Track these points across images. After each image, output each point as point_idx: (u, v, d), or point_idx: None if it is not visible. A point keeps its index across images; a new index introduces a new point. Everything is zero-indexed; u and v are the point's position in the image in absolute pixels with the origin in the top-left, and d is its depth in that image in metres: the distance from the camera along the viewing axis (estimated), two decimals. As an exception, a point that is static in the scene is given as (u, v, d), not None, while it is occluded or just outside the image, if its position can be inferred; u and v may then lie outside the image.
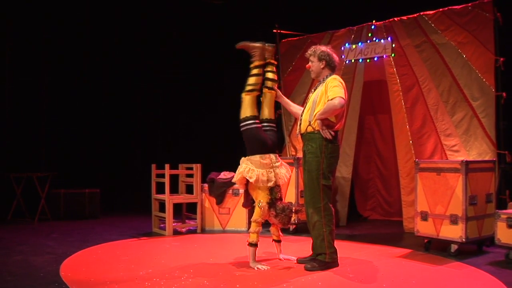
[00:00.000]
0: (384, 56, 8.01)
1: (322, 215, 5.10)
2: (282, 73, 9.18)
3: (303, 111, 5.36)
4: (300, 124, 5.28)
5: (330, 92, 5.00)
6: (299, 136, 5.32)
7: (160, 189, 7.80)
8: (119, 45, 10.77)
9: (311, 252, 5.42)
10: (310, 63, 5.33)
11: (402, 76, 7.84)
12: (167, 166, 7.58)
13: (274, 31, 9.18)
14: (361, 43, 8.30)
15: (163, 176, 7.63)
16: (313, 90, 5.32)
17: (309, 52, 5.36)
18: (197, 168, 7.75)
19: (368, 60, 8.27)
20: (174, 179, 7.98)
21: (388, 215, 9.08)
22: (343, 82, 5.19)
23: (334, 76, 5.24)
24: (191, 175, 7.89)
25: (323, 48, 5.33)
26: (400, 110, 7.81)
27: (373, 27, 8.20)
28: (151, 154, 10.43)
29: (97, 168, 10.42)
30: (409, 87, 7.78)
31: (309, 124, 5.14)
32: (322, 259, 5.21)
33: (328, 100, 4.98)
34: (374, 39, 8.16)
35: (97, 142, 10.57)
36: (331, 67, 5.30)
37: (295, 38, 9.30)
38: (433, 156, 7.44)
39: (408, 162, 7.65)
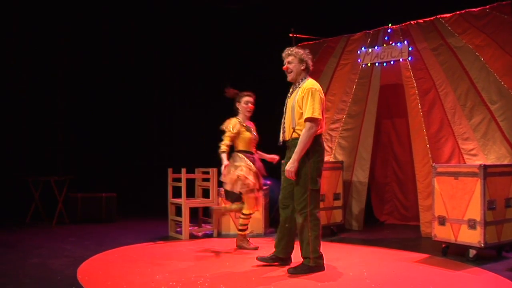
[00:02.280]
0: (401, 60, 7.97)
1: (308, 220, 5.13)
2: None
3: (283, 118, 5.36)
4: (284, 131, 5.30)
5: (308, 108, 5.04)
6: (282, 143, 5.37)
7: (177, 193, 7.79)
8: (136, 47, 10.85)
9: (274, 250, 5.53)
10: (287, 64, 5.26)
11: (419, 79, 7.80)
12: (183, 170, 7.57)
13: (290, 35, 9.15)
14: (378, 46, 8.28)
15: (179, 180, 7.63)
16: (289, 94, 5.30)
17: (287, 52, 5.29)
18: (213, 173, 7.72)
19: (384, 64, 8.23)
20: (190, 183, 7.99)
21: (405, 220, 9.00)
22: (321, 90, 5.22)
23: (312, 82, 5.25)
24: (207, 179, 7.88)
25: (301, 50, 5.30)
26: (417, 114, 7.77)
27: (389, 30, 8.19)
28: (167, 158, 10.43)
29: (114, 172, 10.45)
30: (426, 91, 7.74)
31: (294, 131, 5.17)
32: (307, 263, 5.23)
33: (306, 117, 5.03)
34: (390, 42, 8.13)
35: (114, 147, 10.61)
36: (308, 70, 5.32)
37: (311, 42, 9.27)
38: (450, 160, 7.39)
39: (425, 166, 7.58)
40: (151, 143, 11.12)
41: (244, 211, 6.55)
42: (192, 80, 11.42)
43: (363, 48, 8.47)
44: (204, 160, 8.88)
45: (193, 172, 8.06)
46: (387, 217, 9.25)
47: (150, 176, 10.68)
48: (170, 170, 7.97)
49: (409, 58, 7.89)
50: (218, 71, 11.25)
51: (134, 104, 10.92)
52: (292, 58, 5.25)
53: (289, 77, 5.29)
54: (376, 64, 8.32)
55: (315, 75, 8.79)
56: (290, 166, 5.11)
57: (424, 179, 7.62)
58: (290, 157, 5.18)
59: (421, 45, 7.80)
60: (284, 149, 5.47)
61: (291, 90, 5.33)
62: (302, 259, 5.29)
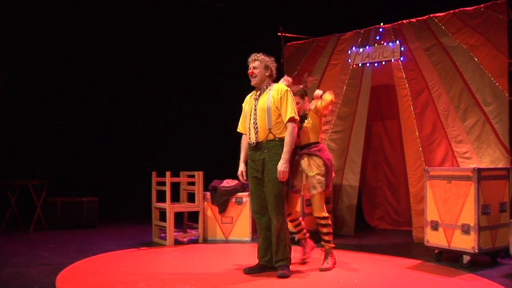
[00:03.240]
0: (393, 60, 7.99)
1: (285, 221, 5.38)
2: None
3: (251, 119, 5.44)
4: (257, 133, 5.36)
5: (289, 108, 5.31)
6: (254, 145, 5.43)
7: (161, 197, 7.77)
8: (118, 44, 10.79)
9: (258, 261, 5.57)
10: (253, 69, 5.44)
11: (411, 80, 7.82)
12: (168, 173, 7.55)
13: (279, 34, 9.19)
14: (369, 46, 8.29)
15: (163, 184, 7.59)
16: (256, 98, 5.44)
17: (253, 57, 5.48)
18: (199, 176, 7.73)
19: (376, 64, 8.26)
20: (175, 187, 7.97)
21: (397, 225, 9.01)
22: (292, 94, 5.46)
23: (282, 84, 5.50)
24: (192, 183, 7.87)
25: (266, 56, 5.50)
26: (409, 116, 7.79)
27: (381, 30, 8.20)
28: (151, 161, 10.45)
29: (96, 176, 10.35)
30: (419, 92, 7.75)
31: (270, 132, 5.29)
32: (284, 264, 5.38)
33: (288, 118, 5.30)
34: (382, 42, 8.16)
35: (95, 149, 10.53)
36: (272, 78, 5.53)
37: (300, 42, 9.30)
38: (443, 163, 7.40)
39: (417, 170, 7.60)
40: (134, 145, 11.04)
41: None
42: (177, 79, 11.38)
43: (353, 48, 8.49)
44: (189, 163, 8.85)
45: (178, 176, 8.04)
46: (378, 222, 9.25)
47: (133, 180, 10.61)
48: (154, 173, 7.94)
49: (401, 58, 7.91)
50: (204, 71, 11.24)
51: (116, 104, 10.81)
52: (258, 63, 5.45)
53: (253, 82, 5.48)
54: (367, 64, 8.34)
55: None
56: (283, 167, 5.26)
57: (416, 183, 7.64)
58: (261, 159, 5.34)
59: (413, 45, 7.82)
60: (238, 152, 5.62)
61: (256, 93, 5.51)
62: (278, 262, 5.39)
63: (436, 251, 6.29)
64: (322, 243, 5.82)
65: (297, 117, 5.37)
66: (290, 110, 5.31)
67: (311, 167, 5.63)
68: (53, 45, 10.11)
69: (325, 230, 5.76)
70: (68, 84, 10.30)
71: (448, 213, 6.08)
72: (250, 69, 5.46)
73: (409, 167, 7.79)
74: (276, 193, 5.32)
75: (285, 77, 5.89)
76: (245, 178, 5.55)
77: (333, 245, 5.84)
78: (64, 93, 10.26)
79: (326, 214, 5.73)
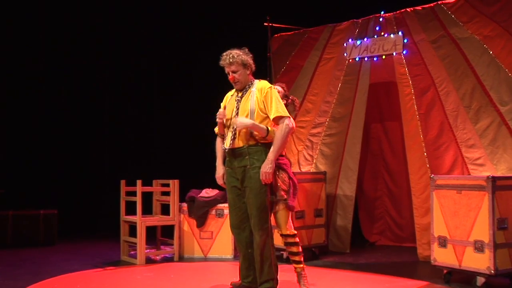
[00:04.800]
0: (394, 54, 8.00)
1: (270, 236, 5.27)
2: (274, 74, 9.22)
3: (230, 123, 5.41)
4: (234, 138, 5.32)
5: (274, 106, 5.24)
6: (228, 151, 5.38)
7: (131, 209, 7.72)
8: (79, 47, 10.75)
9: (239, 279, 5.55)
10: (232, 74, 5.35)
11: (415, 77, 7.82)
12: (138, 182, 7.49)
13: (265, 24, 9.17)
14: (367, 38, 8.30)
15: (134, 194, 7.55)
16: (238, 99, 5.39)
17: (227, 60, 5.34)
18: (174, 185, 7.69)
19: (375, 59, 8.28)
20: (147, 197, 7.92)
21: (399, 241, 9.01)
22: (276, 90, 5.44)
23: (265, 81, 5.44)
24: (167, 193, 7.85)
25: (240, 52, 5.39)
26: (413, 117, 7.79)
27: (381, 19, 8.21)
28: (120, 168, 10.38)
29: (54, 185, 10.26)
30: (424, 90, 7.75)
31: (251, 136, 5.26)
32: (270, 286, 5.27)
33: (274, 117, 5.22)
34: (382, 33, 8.16)
35: (54, 154, 10.41)
36: (252, 71, 5.45)
37: (289, 33, 9.30)
38: (452, 171, 7.39)
39: (422, 178, 7.60)
40: (100, 150, 10.98)
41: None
42: (148, 77, 11.41)
43: (350, 40, 8.49)
44: (163, 170, 8.96)
45: (150, 185, 8.04)
46: (378, 237, 9.24)
47: (98, 189, 10.53)
48: (123, 182, 7.91)
49: (404, 52, 7.92)
50: (178, 70, 11.30)
51: (78, 103, 10.76)
52: (236, 66, 5.34)
53: (237, 87, 5.42)
54: (365, 58, 8.35)
55: (293, 72, 9.08)
56: (267, 167, 5.17)
57: (421, 193, 7.61)
58: (241, 167, 5.28)
59: (418, 37, 7.81)
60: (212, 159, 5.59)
61: (237, 94, 5.45)
62: (262, 284, 5.30)
63: (445, 271, 6.24)
64: (293, 265, 5.80)
65: (286, 114, 5.25)
66: (279, 108, 5.24)
67: (277, 180, 5.64)
68: (7, 44, 10.07)
69: (294, 249, 5.75)
70: (22, 81, 10.23)
71: (458, 227, 6.03)
72: (229, 74, 5.37)
73: (412, 175, 7.76)
74: (258, 204, 5.22)
75: (279, 84, 6.01)
76: (224, 182, 5.50)
77: (304, 266, 5.83)
78: (18, 90, 10.18)
79: (294, 231, 5.74)
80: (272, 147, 5.20)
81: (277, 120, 5.22)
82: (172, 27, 11.26)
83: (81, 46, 10.67)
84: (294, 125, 5.36)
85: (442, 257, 6.18)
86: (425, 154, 7.62)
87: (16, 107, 10.14)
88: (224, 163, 5.51)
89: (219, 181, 5.56)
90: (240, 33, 9.63)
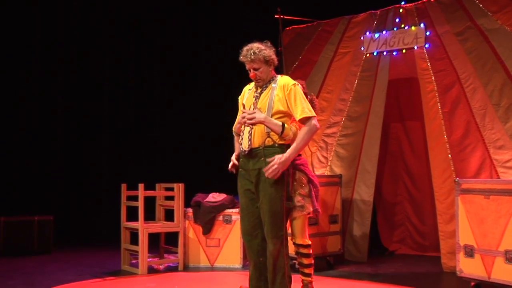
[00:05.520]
0: (416, 48, 7.98)
1: (284, 245, 5.14)
2: (285, 69, 9.15)
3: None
4: (251, 138, 5.20)
5: (299, 105, 5.10)
6: (246, 153, 5.27)
7: (132, 215, 7.68)
8: (77, 45, 10.83)
9: None
10: (253, 72, 5.23)
11: (438, 72, 7.80)
12: (141, 186, 7.46)
13: (276, 16, 9.12)
14: (386, 31, 8.32)
15: (135, 198, 7.52)
16: (256, 95, 5.28)
17: (248, 56, 5.19)
18: (178, 189, 7.66)
19: (394, 53, 8.27)
20: (149, 202, 7.90)
21: (421, 249, 8.96)
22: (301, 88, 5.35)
23: (288, 77, 5.33)
24: (171, 198, 7.83)
25: (262, 46, 5.24)
26: (436, 116, 7.77)
27: (401, 10, 8.21)
28: (120, 171, 10.42)
29: (50, 189, 10.31)
30: (448, 87, 7.73)
31: (268, 136, 5.13)
32: None
33: (301, 118, 5.06)
34: (402, 25, 8.15)
35: (50, 156, 10.47)
36: (275, 66, 5.31)
37: (302, 26, 9.32)
38: (479, 174, 7.36)
39: (446, 182, 7.57)
40: (99, 152, 11.03)
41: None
42: (152, 73, 11.47)
43: (367, 33, 8.51)
44: (167, 173, 8.95)
45: (153, 189, 8.01)
46: (398, 246, 9.21)
47: (97, 194, 10.61)
48: (123, 186, 7.86)
49: (426, 45, 7.90)
50: (185, 66, 11.33)
51: (77, 102, 10.82)
52: (258, 63, 5.19)
53: (259, 84, 5.29)
54: (384, 53, 8.35)
55: (306, 67, 9.26)
56: (279, 162, 4.99)
57: (445, 198, 7.57)
58: (255, 169, 5.15)
59: (442, 29, 7.81)
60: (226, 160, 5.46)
61: (255, 88, 5.35)
62: None
63: (472, 283, 6.20)
64: (301, 276, 5.79)
65: (313, 113, 5.08)
66: (302, 108, 5.10)
67: (292, 185, 5.57)
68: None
69: (306, 261, 5.75)
70: (16, 82, 10.25)
71: (487, 236, 5.98)
72: (250, 72, 5.21)
73: (435, 179, 7.72)
74: (273, 210, 5.08)
75: (298, 81, 5.84)
76: (234, 172, 5.36)
77: (313, 280, 5.82)
78: (12, 90, 10.20)
79: (309, 242, 5.72)
80: (293, 145, 5.05)
81: (304, 121, 5.07)
82: (176, 23, 11.39)
83: (78, 44, 10.76)
84: (318, 126, 5.23)
85: (469, 268, 6.12)
86: (449, 156, 7.58)
87: (8, 106, 10.15)
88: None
89: (232, 169, 5.40)
90: (249, 26, 9.66)
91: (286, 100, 5.11)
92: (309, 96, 5.98)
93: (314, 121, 5.06)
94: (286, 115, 5.12)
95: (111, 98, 11.12)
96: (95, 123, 10.94)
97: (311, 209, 5.64)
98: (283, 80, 5.22)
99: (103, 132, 11.03)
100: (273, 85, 5.21)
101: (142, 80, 11.38)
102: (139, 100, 11.33)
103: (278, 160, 4.92)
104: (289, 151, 4.97)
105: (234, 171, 5.29)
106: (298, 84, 5.23)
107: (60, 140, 10.55)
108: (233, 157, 5.35)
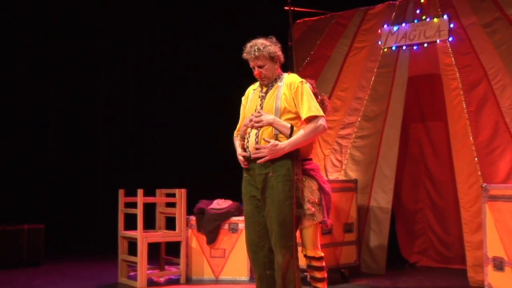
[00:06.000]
0: (438, 41, 7.95)
1: (294, 256, 5.14)
2: (296, 66, 9.16)
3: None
4: (257, 142, 5.19)
5: (306, 104, 5.13)
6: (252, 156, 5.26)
7: (130, 223, 7.64)
8: (71, 46, 10.97)
9: None
10: (258, 69, 5.24)
11: (463, 68, 7.75)
12: (140, 192, 7.42)
13: (286, 8, 9.11)
14: (406, 23, 8.30)
15: (134, 205, 7.48)
16: (262, 95, 5.29)
17: (252, 52, 5.20)
18: (181, 195, 7.64)
19: (415, 47, 8.24)
20: (149, 209, 7.90)
21: (445, 262, 8.90)
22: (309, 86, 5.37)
23: (295, 75, 5.37)
24: (172, 204, 7.81)
25: (266, 42, 5.27)
26: (461, 116, 7.72)
27: (422, 0, 8.21)
28: (117, 176, 10.50)
29: (41, 195, 10.34)
30: (474, 84, 7.67)
31: (276, 138, 5.11)
32: None
33: (307, 116, 5.09)
34: (424, 17, 8.12)
35: (41, 160, 10.52)
36: (281, 64, 5.36)
37: (314, 18, 9.30)
38: (509, 179, 7.29)
39: (472, 188, 7.49)
40: (94, 155, 11.07)
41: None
42: (151, 70, 11.55)
43: (385, 26, 8.51)
44: (168, 178, 9.17)
45: (154, 195, 8.00)
46: (419, 257, 9.15)
47: (92, 200, 10.64)
48: (121, 191, 7.84)
49: (450, 39, 7.87)
50: (186, 61, 11.49)
51: (71, 101, 10.93)
52: (263, 60, 5.21)
53: (264, 83, 5.30)
54: (404, 47, 8.32)
55: (319, 63, 9.26)
56: (273, 151, 4.98)
57: (471, 205, 7.50)
58: (262, 174, 5.13)
59: (467, 20, 7.76)
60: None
61: (260, 88, 5.36)
62: None
63: None
64: None
65: (320, 113, 5.10)
66: (308, 106, 5.11)
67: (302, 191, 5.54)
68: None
69: (318, 274, 5.64)
70: (6, 84, 10.32)
71: None
72: (255, 69, 5.24)
73: (460, 184, 7.65)
74: (282, 219, 5.06)
75: (307, 80, 5.82)
76: (246, 163, 5.29)
77: None
78: (2, 93, 10.29)
79: (321, 254, 5.64)
80: (293, 137, 5.04)
81: (310, 120, 5.10)
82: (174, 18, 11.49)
83: (72, 46, 10.87)
84: (326, 127, 5.23)
85: (499, 282, 6.08)
86: (475, 159, 7.52)
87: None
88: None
89: (241, 160, 5.32)
90: (256, 19, 9.75)
91: (293, 98, 5.14)
92: (319, 97, 5.94)
93: (321, 121, 5.09)
94: (295, 115, 5.11)
95: (107, 97, 11.20)
96: (90, 124, 10.98)
97: (322, 219, 5.58)
98: (290, 78, 5.26)
99: (99, 134, 11.07)
100: (279, 83, 5.23)
101: (140, 78, 11.42)
102: (138, 99, 11.43)
103: (271, 146, 4.93)
104: (286, 142, 5.00)
105: (247, 162, 5.22)
106: (305, 82, 5.25)
107: (52, 142, 10.60)
108: (240, 152, 5.30)
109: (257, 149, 5.00)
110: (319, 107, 5.16)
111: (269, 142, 4.96)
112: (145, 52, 11.47)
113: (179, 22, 11.53)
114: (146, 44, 11.48)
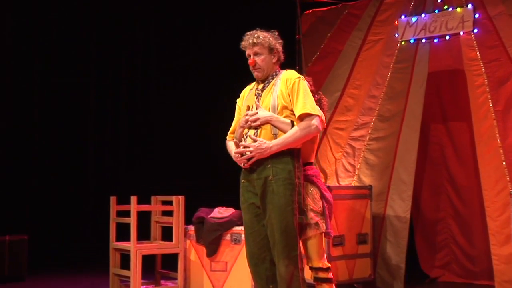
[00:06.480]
0: (462, 33, 7.94)
1: (299, 267, 5.12)
2: (304, 61, 9.24)
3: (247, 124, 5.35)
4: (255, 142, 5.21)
5: (301, 101, 5.15)
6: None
7: (123, 233, 7.59)
8: (61, 45, 11.04)
9: None
10: (253, 57, 5.23)
11: (490, 63, 7.70)
12: (133, 199, 7.38)
13: None
14: (426, 14, 8.30)
15: (127, 214, 7.43)
16: (258, 93, 5.33)
17: (250, 39, 5.22)
18: (178, 203, 7.59)
19: (436, 40, 8.24)
20: (144, 218, 7.87)
21: (470, 277, 8.77)
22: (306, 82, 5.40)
23: (293, 71, 5.38)
24: (169, 213, 7.74)
25: (267, 34, 5.31)
26: (487, 115, 7.68)
27: None
28: (108, 182, 10.64)
29: (25, 205, 10.40)
30: (502, 80, 7.63)
31: (275, 138, 5.10)
32: None
33: (300, 114, 5.10)
34: (445, 7, 8.12)
35: (25, 166, 10.56)
36: (280, 61, 5.39)
37: (324, 9, 9.33)
38: None
39: (500, 195, 7.44)
40: (83, 159, 11.11)
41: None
42: (147, 66, 11.69)
43: (402, 17, 8.50)
44: (164, 184, 9.04)
45: (149, 202, 7.99)
46: (441, 272, 9.05)
47: (81, 209, 10.70)
48: (113, 199, 7.82)
49: (475, 31, 7.84)
50: (182, 55, 11.44)
51: (62, 104, 10.96)
52: (260, 48, 5.23)
53: (258, 75, 5.31)
54: (423, 40, 8.32)
55: (329, 59, 9.31)
56: (260, 151, 4.95)
57: (498, 214, 7.44)
58: (261, 178, 5.10)
59: (494, 10, 7.71)
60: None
61: (257, 86, 5.40)
62: None
63: None
64: None
65: (315, 112, 5.10)
66: (303, 103, 5.11)
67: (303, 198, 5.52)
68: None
69: (326, 287, 5.61)
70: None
71: None
72: (251, 57, 5.25)
73: (486, 191, 7.60)
74: (284, 227, 5.03)
75: (304, 77, 5.87)
76: (246, 162, 5.25)
77: None
78: None
79: (328, 264, 5.60)
80: (282, 136, 4.99)
81: (303, 118, 5.11)
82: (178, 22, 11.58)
83: (59, 44, 10.95)
84: (321, 128, 5.20)
85: None
86: (503, 163, 7.48)
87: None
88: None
89: (237, 159, 5.27)
90: (260, 10, 9.77)
91: (289, 95, 5.17)
92: (316, 95, 5.89)
93: (315, 121, 5.08)
94: (293, 113, 5.14)
95: (97, 97, 11.24)
96: (80, 126, 11.00)
97: (325, 229, 5.56)
98: (287, 74, 5.28)
99: (89, 136, 11.11)
100: (276, 80, 5.26)
101: (135, 72, 11.50)
102: (131, 100, 11.50)
103: (258, 144, 4.92)
104: (274, 141, 5.01)
105: (246, 161, 5.13)
106: (302, 78, 5.26)
107: (36, 145, 10.56)
108: (234, 151, 5.24)
109: (244, 147, 4.95)
110: (315, 105, 5.18)
111: (255, 140, 4.93)
112: (140, 55, 11.56)
113: (173, 19, 11.59)
114: (140, 47, 11.58)
